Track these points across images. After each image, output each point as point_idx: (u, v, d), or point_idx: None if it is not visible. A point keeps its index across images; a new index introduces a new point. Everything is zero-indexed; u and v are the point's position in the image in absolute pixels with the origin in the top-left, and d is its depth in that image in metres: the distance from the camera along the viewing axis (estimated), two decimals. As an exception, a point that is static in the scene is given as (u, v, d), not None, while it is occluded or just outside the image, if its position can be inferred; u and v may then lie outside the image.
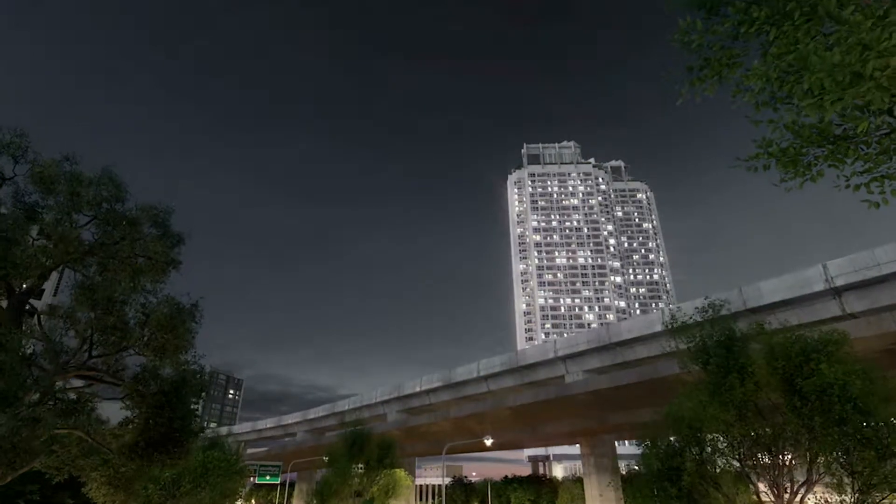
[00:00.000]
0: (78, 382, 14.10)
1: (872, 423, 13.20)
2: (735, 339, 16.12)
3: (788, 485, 15.25)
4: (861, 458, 12.95)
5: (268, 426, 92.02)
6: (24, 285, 12.45)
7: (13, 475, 10.74)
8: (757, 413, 15.50)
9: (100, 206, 12.81)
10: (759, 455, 15.45)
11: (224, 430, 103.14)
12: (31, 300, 13.04)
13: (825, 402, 13.36)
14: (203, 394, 13.59)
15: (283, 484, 67.19)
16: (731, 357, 15.49)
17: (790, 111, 7.28)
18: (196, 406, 13.30)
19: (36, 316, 13.14)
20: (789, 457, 15.17)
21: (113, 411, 14.02)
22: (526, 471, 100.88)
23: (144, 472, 12.72)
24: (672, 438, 16.66)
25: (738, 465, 15.83)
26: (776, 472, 15.18)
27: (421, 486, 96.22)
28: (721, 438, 15.93)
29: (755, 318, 33.48)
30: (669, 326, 17.90)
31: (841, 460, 13.66)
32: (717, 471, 15.67)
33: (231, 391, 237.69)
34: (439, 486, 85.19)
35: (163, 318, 12.26)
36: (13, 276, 11.59)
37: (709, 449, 16.06)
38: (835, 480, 14.15)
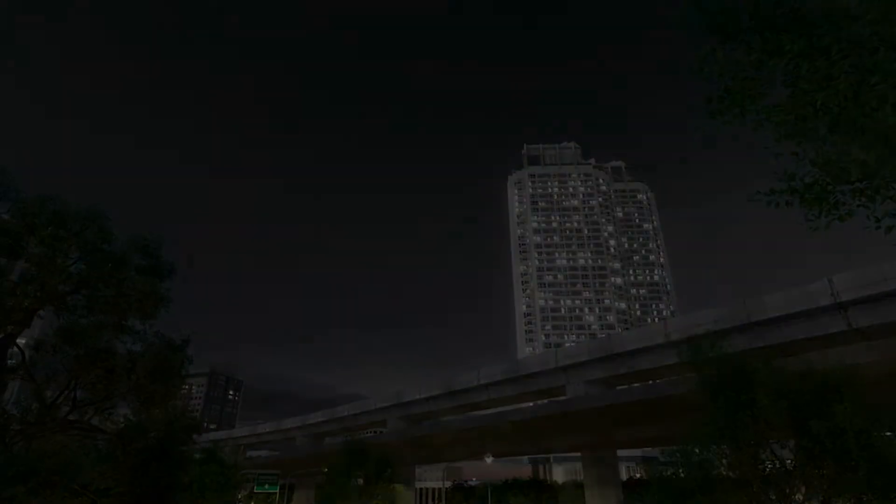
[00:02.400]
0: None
1: (885, 469, 12.68)
2: (744, 375, 15.58)
3: None
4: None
5: (267, 430, 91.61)
6: (9, 328, 12.01)
7: None
8: (768, 450, 15.02)
9: (84, 247, 12.37)
10: (769, 494, 14.98)
11: (223, 434, 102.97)
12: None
13: (839, 446, 12.88)
14: (195, 434, 13.18)
15: (282, 486, 66.77)
16: (741, 393, 14.97)
17: (815, 144, 6.71)
18: (187, 449, 12.89)
19: (21, 355, 12.71)
20: (800, 497, 14.70)
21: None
22: (526, 471, 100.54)
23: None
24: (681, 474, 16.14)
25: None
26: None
27: (421, 489, 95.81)
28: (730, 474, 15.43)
29: (759, 332, 33.29)
30: (681, 360, 17.28)
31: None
32: None
33: (231, 392, 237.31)
34: (439, 489, 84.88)
35: (150, 365, 11.83)
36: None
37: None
38: None
